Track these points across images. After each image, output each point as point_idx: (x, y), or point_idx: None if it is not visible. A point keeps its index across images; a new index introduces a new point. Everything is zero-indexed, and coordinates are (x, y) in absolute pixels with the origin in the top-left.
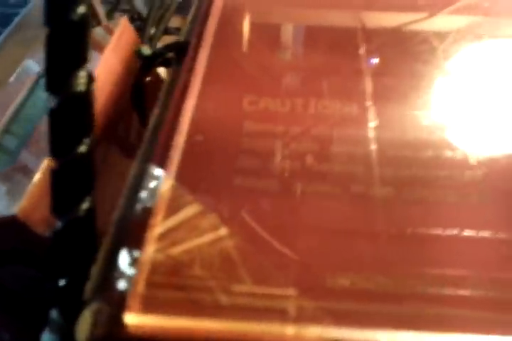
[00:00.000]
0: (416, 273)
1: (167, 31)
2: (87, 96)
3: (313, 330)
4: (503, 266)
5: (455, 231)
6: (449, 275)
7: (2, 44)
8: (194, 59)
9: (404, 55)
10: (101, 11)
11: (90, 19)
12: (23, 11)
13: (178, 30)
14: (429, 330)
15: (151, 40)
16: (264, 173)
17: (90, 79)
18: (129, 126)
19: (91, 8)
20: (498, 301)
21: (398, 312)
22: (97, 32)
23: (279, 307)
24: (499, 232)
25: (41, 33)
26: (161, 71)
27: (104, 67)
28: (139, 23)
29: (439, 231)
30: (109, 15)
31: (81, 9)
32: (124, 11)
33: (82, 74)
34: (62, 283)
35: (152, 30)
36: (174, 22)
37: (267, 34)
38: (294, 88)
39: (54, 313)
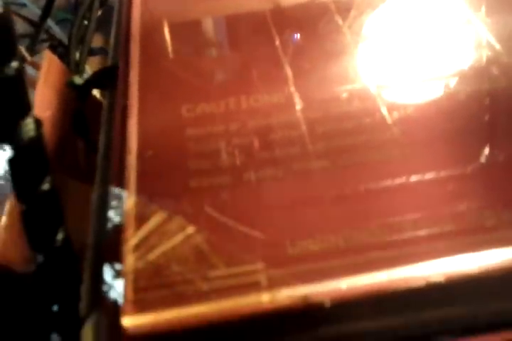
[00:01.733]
0: (366, 226)
1: (91, 52)
2: (38, 140)
3: (285, 293)
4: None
5: (392, 182)
6: (404, 221)
7: None
8: (126, 80)
9: (314, 37)
10: (21, 48)
11: (25, 71)
12: None
13: (102, 49)
14: (386, 268)
15: (78, 65)
16: (216, 170)
17: (38, 123)
18: (75, 153)
19: None
20: (453, 233)
21: (355, 261)
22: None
23: (252, 281)
24: (427, 174)
25: None
26: (95, 92)
27: (40, 102)
28: (62, 49)
29: (377, 185)
30: (31, 48)
31: (14, 64)
32: (44, 41)
33: (29, 121)
34: (55, 308)
35: (77, 55)
36: (97, 42)
37: (190, 39)
38: (225, 89)
39: (55, 338)
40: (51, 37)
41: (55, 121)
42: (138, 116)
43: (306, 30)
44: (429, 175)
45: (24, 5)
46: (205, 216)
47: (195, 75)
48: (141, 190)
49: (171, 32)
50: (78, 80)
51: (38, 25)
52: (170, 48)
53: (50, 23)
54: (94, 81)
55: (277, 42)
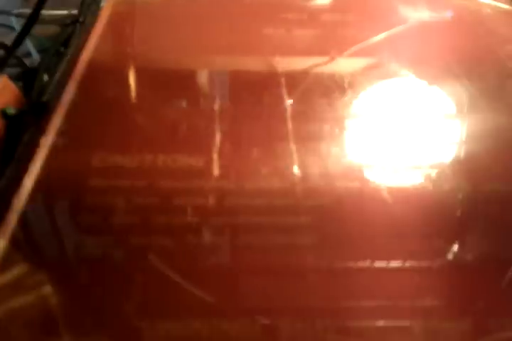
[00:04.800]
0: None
1: None
2: None
3: None
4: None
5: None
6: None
7: None
8: (48, 120)
9: (255, 107)
10: None
11: None
12: None
13: None
14: None
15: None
16: (103, 230)
17: None
18: None
19: None
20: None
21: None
22: None
23: None
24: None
25: None
26: None
27: None
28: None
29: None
30: None
31: None
32: (14, 66)
33: None
34: None
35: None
36: None
37: (121, 88)
38: (145, 144)
39: None
40: (20, 63)
41: None
42: (46, 157)
43: (248, 99)
44: (393, 264)
45: (13, 28)
46: (73, 275)
47: (120, 126)
48: (16, 235)
49: (108, 87)
50: (10, 111)
51: (9, 50)
52: (101, 100)
53: (31, 49)
54: (26, 113)
55: (216, 107)
